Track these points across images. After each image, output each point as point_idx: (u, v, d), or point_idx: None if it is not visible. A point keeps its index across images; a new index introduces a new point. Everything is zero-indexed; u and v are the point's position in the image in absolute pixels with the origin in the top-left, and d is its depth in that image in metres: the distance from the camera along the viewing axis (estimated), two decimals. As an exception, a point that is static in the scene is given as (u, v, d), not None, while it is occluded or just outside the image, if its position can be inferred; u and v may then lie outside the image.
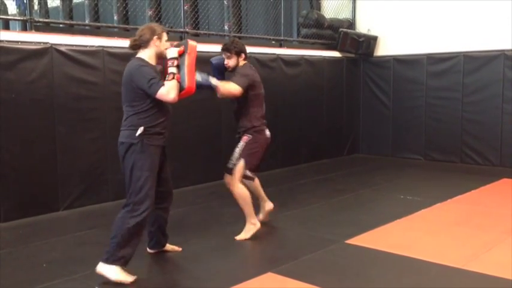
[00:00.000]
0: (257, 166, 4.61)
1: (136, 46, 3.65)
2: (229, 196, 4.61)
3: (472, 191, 6.30)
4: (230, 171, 4.45)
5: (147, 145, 3.53)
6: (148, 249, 4.07)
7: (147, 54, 3.61)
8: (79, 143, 5.60)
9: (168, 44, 3.69)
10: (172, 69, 3.56)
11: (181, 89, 3.55)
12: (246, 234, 4.47)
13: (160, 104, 3.56)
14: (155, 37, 3.60)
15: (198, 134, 6.79)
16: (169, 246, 4.12)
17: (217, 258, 4.05)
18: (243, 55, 4.51)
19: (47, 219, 5.20)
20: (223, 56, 4.52)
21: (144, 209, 3.50)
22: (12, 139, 5.09)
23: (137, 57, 3.63)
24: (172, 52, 3.61)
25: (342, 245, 4.33)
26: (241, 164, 4.41)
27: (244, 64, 4.53)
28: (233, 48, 4.47)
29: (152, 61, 3.63)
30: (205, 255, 4.11)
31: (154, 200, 3.60)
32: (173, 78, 3.51)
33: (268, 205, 4.95)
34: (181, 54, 3.62)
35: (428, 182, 7.14)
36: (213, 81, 4.17)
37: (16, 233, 4.76)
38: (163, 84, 3.47)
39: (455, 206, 5.68)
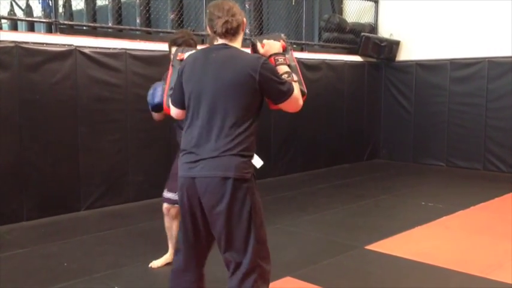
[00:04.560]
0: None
1: (234, 30, 2.42)
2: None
3: (495, 199, 6.18)
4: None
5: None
6: None
7: (239, 44, 2.49)
8: (101, 144, 5.65)
9: None
10: (285, 68, 2.51)
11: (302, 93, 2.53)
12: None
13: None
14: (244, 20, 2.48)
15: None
16: None
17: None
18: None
19: (68, 219, 5.26)
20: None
21: None
22: (36, 139, 5.17)
23: (234, 47, 2.45)
24: (275, 47, 2.60)
25: (361, 250, 4.29)
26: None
27: None
28: None
29: None
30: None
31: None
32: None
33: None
34: (284, 50, 2.66)
35: (450, 188, 7.03)
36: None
37: (38, 231, 4.83)
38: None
39: (477, 213, 5.59)
